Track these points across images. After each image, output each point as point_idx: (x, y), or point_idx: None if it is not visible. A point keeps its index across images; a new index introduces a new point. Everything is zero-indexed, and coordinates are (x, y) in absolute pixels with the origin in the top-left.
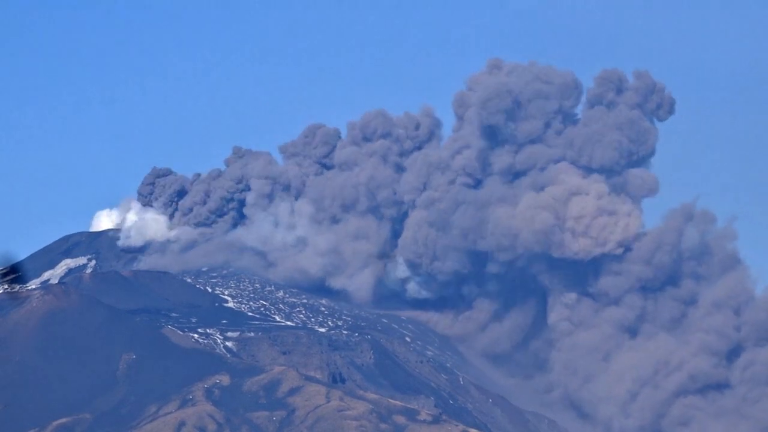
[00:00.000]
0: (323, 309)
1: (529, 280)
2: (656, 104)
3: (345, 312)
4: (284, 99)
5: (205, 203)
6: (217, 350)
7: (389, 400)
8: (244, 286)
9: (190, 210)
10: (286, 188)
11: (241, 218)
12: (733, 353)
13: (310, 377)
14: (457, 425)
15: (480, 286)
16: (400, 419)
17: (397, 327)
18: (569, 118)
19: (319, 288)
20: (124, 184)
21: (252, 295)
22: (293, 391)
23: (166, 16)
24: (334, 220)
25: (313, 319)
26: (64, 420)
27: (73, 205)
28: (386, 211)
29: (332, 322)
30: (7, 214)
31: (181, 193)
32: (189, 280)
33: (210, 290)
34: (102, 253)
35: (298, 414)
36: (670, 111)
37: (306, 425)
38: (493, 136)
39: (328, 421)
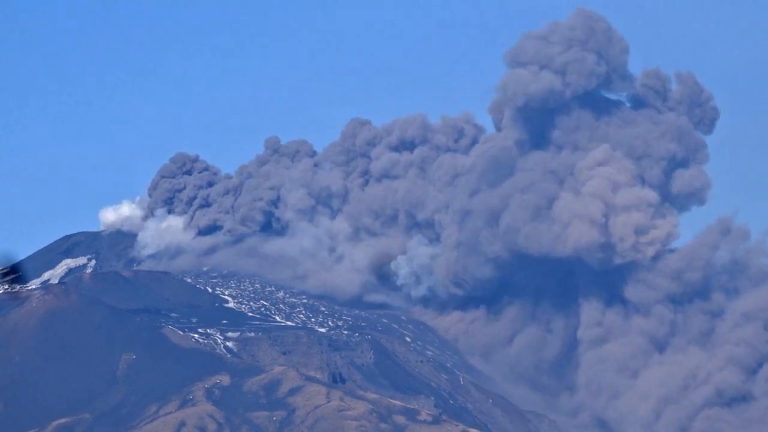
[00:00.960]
0: (323, 309)
1: (559, 289)
2: (700, 117)
3: (345, 312)
4: (314, 94)
5: (236, 211)
6: (218, 350)
7: (389, 400)
8: (244, 286)
9: (216, 220)
10: (326, 199)
11: (270, 225)
12: (759, 366)
13: (310, 377)
14: (457, 425)
15: (511, 295)
16: (400, 419)
17: (397, 327)
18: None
19: (356, 302)
20: (126, 180)
21: (252, 296)
22: (293, 391)
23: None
24: (373, 234)
25: (313, 319)
26: (64, 420)
27: (78, 204)
28: (426, 232)
29: (332, 322)
30: (8, 213)
31: (205, 198)
32: (189, 280)
33: (210, 290)
34: (102, 253)
35: (299, 414)
36: (713, 126)
37: (306, 425)
38: (534, 135)
39: (328, 421)
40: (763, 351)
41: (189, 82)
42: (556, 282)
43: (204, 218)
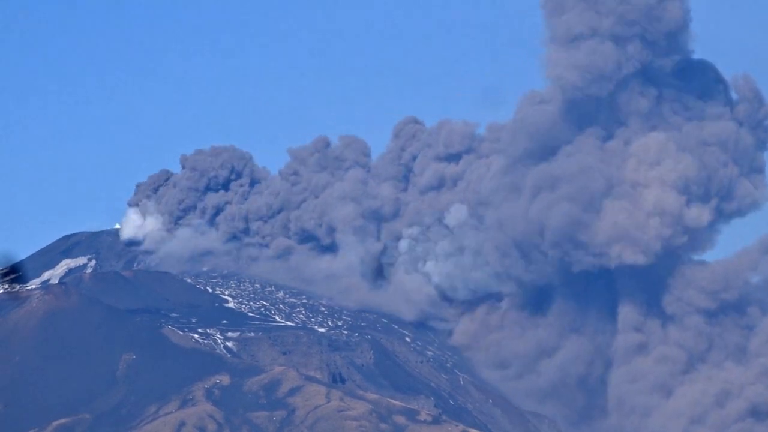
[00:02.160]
0: (323, 309)
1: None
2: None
3: (345, 312)
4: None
5: (280, 224)
6: (218, 350)
7: (389, 400)
8: (244, 286)
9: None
10: (377, 215)
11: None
12: None
13: (310, 377)
14: (457, 425)
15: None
16: (400, 419)
17: (397, 327)
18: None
19: (420, 325)
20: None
21: (252, 296)
22: (293, 391)
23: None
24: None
25: (313, 320)
26: (63, 420)
27: (97, 204)
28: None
29: (332, 322)
30: (8, 213)
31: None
32: (189, 281)
33: (210, 290)
34: (102, 253)
35: (298, 414)
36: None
37: (306, 425)
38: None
39: (328, 421)
40: None
41: (188, 81)
42: (596, 291)
43: (237, 225)
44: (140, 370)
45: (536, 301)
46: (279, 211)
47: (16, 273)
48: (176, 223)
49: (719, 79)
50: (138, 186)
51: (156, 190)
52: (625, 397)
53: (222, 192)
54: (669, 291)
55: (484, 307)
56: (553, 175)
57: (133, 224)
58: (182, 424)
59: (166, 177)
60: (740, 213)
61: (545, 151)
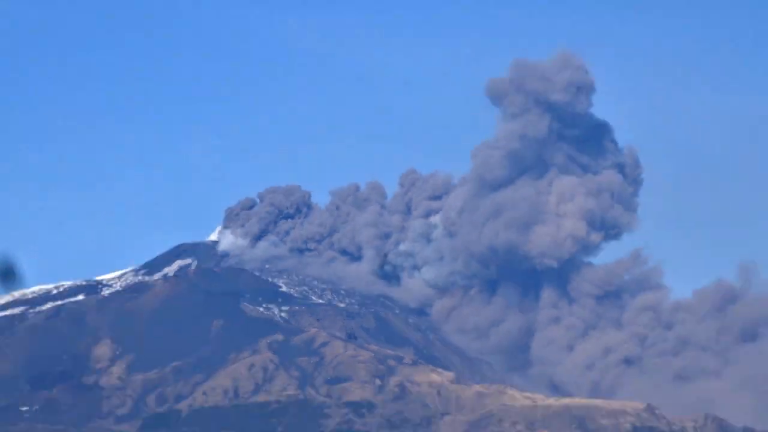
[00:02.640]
0: (342, 292)
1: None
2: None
3: (355, 292)
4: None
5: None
6: (275, 318)
7: (385, 350)
8: (292, 278)
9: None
10: (389, 236)
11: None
12: (647, 340)
13: (334, 335)
14: (428, 366)
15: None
16: (392, 362)
17: (390, 304)
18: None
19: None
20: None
21: (296, 284)
22: (323, 345)
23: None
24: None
25: (336, 299)
26: (176, 363)
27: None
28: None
29: (348, 300)
30: (144, 226)
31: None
32: (257, 273)
33: (270, 280)
34: (200, 256)
35: (327, 359)
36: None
37: (332, 366)
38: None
39: (346, 364)
40: (649, 333)
41: None
42: (528, 283)
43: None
44: (225, 332)
45: (489, 289)
46: (328, 235)
47: (13, 275)
48: (257, 240)
49: (614, 144)
50: (228, 209)
51: (238, 215)
52: (543, 352)
53: (290, 220)
54: (572, 283)
55: (456, 293)
56: (500, 203)
57: (227, 240)
58: (252, 365)
59: (250, 205)
60: (618, 236)
61: (494, 187)
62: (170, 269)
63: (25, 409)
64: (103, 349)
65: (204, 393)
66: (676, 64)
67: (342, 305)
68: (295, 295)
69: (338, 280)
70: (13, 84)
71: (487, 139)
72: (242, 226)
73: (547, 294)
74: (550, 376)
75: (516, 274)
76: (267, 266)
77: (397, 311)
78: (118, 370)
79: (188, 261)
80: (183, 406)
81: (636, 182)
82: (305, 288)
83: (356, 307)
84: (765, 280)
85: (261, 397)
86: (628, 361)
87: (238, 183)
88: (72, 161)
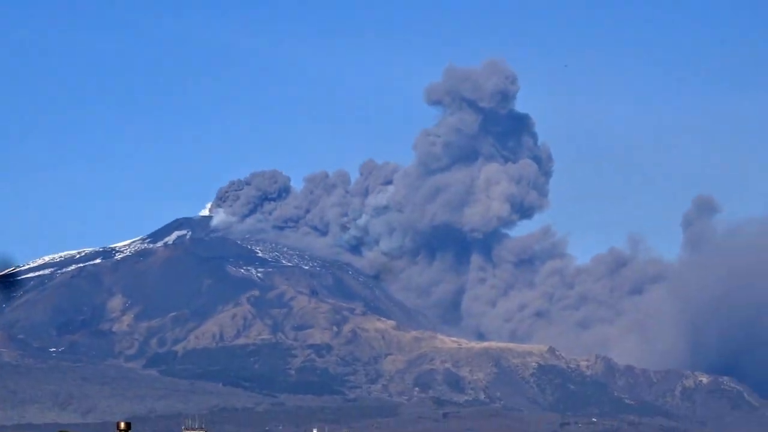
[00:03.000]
0: (307, 257)
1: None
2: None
3: (318, 258)
4: None
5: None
6: (253, 278)
7: (340, 303)
8: (267, 246)
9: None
10: (351, 212)
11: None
12: (555, 295)
13: (300, 291)
14: (374, 316)
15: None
16: (345, 313)
17: (347, 267)
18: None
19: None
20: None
21: (270, 250)
22: (291, 299)
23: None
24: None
25: (301, 262)
26: (174, 313)
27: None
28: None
29: (312, 264)
30: (148, 202)
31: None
32: (239, 242)
33: (250, 247)
34: (194, 227)
35: (294, 310)
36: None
37: (298, 316)
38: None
39: (309, 314)
40: (556, 291)
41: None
42: (461, 249)
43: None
44: (213, 288)
45: (430, 254)
46: (303, 216)
47: (12, 276)
48: (244, 217)
49: (533, 137)
50: (220, 189)
51: (228, 194)
52: (472, 306)
53: (272, 202)
54: (495, 251)
55: (404, 258)
56: (439, 186)
57: (219, 217)
58: (234, 315)
59: (238, 186)
60: (531, 215)
61: (434, 170)
62: (170, 238)
63: (53, 350)
64: (116, 302)
65: (196, 337)
66: (591, 70)
67: (307, 267)
68: (269, 259)
69: (306, 248)
70: (31, 81)
71: (427, 128)
72: (231, 205)
73: (475, 260)
74: (477, 326)
75: (451, 244)
76: (247, 236)
77: (350, 272)
78: (127, 319)
79: (184, 232)
80: (179, 347)
81: (547, 173)
82: (277, 254)
83: (318, 269)
84: (649, 248)
85: (241, 341)
86: (539, 314)
87: (224, 166)
88: (91, 151)
